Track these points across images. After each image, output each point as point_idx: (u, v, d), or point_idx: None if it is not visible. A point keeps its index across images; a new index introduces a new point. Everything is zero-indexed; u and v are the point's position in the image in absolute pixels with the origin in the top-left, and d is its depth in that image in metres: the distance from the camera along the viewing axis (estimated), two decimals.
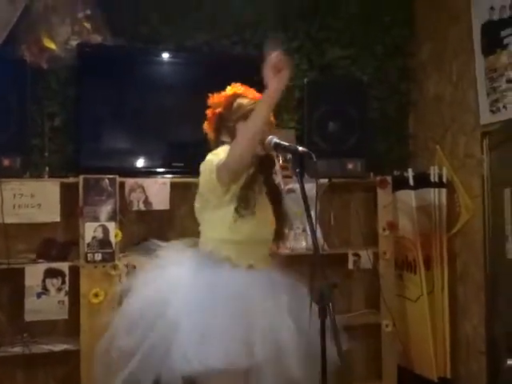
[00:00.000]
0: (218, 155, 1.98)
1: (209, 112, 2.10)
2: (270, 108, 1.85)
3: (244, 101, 2.04)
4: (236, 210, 1.93)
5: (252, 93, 2.07)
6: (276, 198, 2.08)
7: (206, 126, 2.12)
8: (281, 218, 2.09)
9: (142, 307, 1.92)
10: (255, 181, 1.98)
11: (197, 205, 2.09)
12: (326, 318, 1.66)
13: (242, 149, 1.86)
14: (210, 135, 2.11)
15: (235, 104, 2.04)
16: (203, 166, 2.00)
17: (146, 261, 2.74)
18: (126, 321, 1.93)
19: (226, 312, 1.82)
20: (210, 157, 2.01)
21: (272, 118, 2.05)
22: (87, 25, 2.99)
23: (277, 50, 1.73)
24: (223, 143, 2.05)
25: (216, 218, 2.01)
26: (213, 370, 1.74)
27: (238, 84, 2.09)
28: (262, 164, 2.04)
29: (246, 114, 1.99)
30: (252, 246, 2.00)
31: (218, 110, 2.07)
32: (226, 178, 1.92)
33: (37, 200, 2.71)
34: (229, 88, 2.08)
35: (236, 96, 2.06)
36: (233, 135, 2.02)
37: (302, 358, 1.84)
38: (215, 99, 2.09)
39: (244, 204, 1.93)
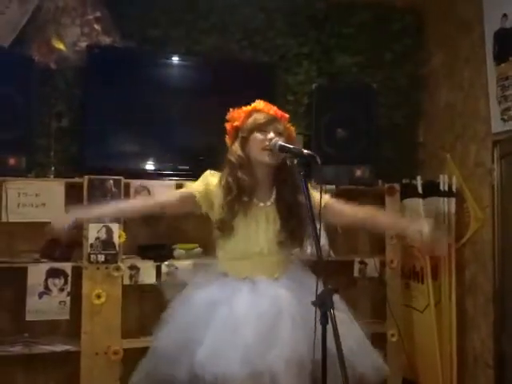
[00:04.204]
0: (212, 177, 2.07)
1: (228, 126, 2.11)
2: None
3: (260, 115, 2.05)
4: (218, 231, 2.03)
5: (273, 110, 2.07)
6: (287, 209, 2.03)
7: (227, 139, 2.13)
8: (292, 230, 2.02)
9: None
10: (234, 202, 1.99)
11: None
12: (326, 324, 1.62)
13: None
14: (229, 146, 2.13)
15: (252, 117, 2.05)
16: None
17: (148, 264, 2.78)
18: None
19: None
20: (205, 174, 2.09)
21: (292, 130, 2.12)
22: (97, 27, 3.01)
23: None
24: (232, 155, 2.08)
25: (214, 233, 2.10)
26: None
27: (261, 101, 2.10)
28: (277, 173, 2.04)
29: (258, 126, 2.02)
30: (242, 260, 2.02)
31: (236, 123, 2.08)
32: None
33: (41, 199, 2.70)
34: (253, 103, 2.08)
35: (254, 111, 2.07)
36: (244, 148, 2.03)
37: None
38: (235, 114, 2.10)
39: (220, 226, 2.01)
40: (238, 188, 1.98)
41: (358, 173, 3.18)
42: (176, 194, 2.19)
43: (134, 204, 2.23)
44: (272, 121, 2.02)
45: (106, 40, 2.99)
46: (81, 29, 2.98)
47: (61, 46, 2.93)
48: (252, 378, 1.79)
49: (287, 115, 2.10)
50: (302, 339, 1.83)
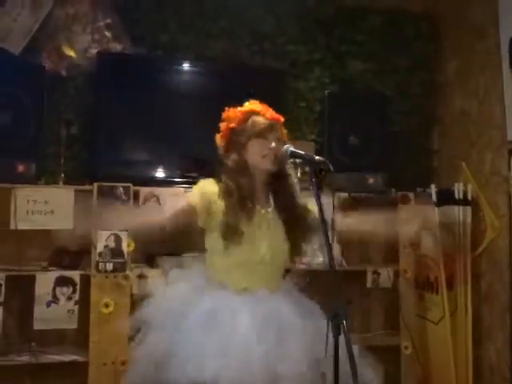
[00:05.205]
0: (209, 185, 1.98)
1: (222, 126, 2.06)
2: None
3: (259, 119, 2.00)
4: (222, 238, 1.92)
5: (270, 112, 2.03)
6: (288, 216, 2.00)
7: (218, 139, 2.07)
8: (295, 237, 2.00)
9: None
10: (237, 207, 1.92)
11: None
12: (339, 335, 1.58)
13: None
14: (221, 149, 2.07)
15: (250, 121, 2.00)
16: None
17: (157, 273, 2.74)
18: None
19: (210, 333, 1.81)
20: (199, 184, 2.00)
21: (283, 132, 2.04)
22: (107, 33, 3.06)
23: None
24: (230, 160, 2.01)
25: (208, 242, 2.01)
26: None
27: (257, 102, 2.05)
28: (274, 180, 2.00)
29: (258, 133, 1.98)
30: (242, 269, 1.94)
31: (232, 124, 2.03)
32: None
33: (50, 207, 2.70)
34: (246, 104, 2.04)
35: (252, 113, 2.02)
36: (241, 152, 1.99)
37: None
38: (230, 113, 2.05)
39: (227, 232, 1.90)
40: (238, 193, 1.92)
41: (371, 181, 3.16)
42: (177, 210, 2.00)
43: (154, 223, 2.03)
44: (272, 127, 1.98)
45: (116, 46, 3.03)
46: (91, 35, 3.02)
47: (71, 53, 2.97)
48: None
49: (282, 118, 2.04)
50: (304, 353, 1.80)
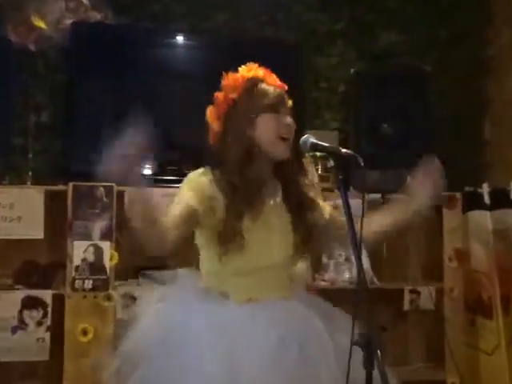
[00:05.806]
0: (201, 177, 1.84)
1: (220, 96, 1.90)
2: None
3: (267, 87, 1.86)
4: (219, 241, 1.80)
5: (273, 79, 1.89)
6: (298, 209, 1.90)
7: (210, 112, 1.92)
8: (303, 230, 1.90)
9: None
10: (246, 207, 1.80)
11: None
12: (372, 369, 1.53)
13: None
14: (214, 126, 1.91)
15: (255, 90, 1.85)
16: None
17: (146, 290, 2.70)
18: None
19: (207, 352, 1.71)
20: (190, 177, 1.86)
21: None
22: (85, 0, 2.97)
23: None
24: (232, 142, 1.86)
25: (202, 247, 1.90)
26: None
27: (255, 65, 1.89)
28: (281, 169, 1.90)
29: (270, 105, 1.83)
30: (249, 278, 1.83)
31: (233, 94, 1.88)
32: None
33: (16, 212, 2.67)
34: (244, 68, 1.88)
35: (256, 80, 1.87)
36: (247, 131, 1.85)
37: None
38: (231, 81, 1.90)
39: (228, 237, 1.79)
40: (245, 187, 1.79)
41: (409, 178, 3.11)
42: (176, 217, 1.78)
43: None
44: (283, 97, 1.87)
45: (95, 16, 2.98)
46: (65, 3, 2.96)
47: (41, 24, 2.89)
48: None
49: (285, 86, 1.90)
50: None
